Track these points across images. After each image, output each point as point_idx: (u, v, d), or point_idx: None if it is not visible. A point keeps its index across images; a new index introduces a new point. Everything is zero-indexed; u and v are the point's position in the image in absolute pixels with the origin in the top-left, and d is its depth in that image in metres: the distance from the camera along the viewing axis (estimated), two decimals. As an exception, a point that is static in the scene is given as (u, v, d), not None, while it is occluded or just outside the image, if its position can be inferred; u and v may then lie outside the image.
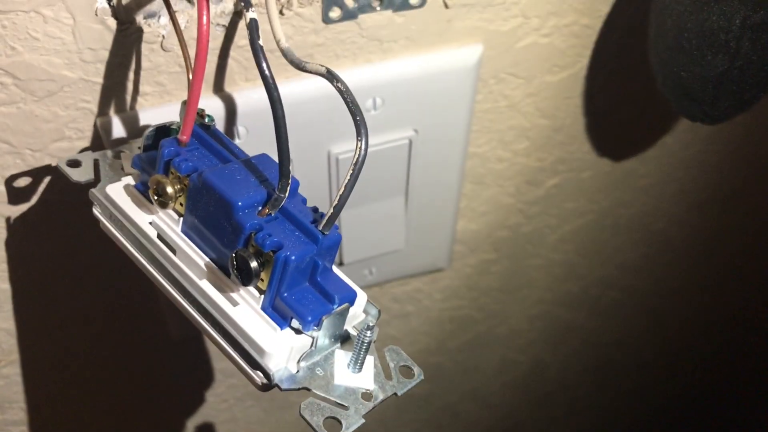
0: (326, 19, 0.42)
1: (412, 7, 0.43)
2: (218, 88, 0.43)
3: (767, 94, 0.41)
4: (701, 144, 0.65)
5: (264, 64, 0.30)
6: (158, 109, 0.42)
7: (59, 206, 0.44)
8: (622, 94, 0.56)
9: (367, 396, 0.32)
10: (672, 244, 0.74)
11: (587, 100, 0.55)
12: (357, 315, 0.34)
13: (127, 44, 0.39)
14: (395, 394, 0.33)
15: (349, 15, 0.42)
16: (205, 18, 0.32)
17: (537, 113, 0.54)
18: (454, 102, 0.49)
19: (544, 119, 0.55)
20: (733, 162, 0.69)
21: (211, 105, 0.42)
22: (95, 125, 0.41)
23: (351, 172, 0.31)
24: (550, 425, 0.94)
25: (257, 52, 0.30)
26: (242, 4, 0.31)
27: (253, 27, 0.30)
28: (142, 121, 0.42)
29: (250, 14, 0.30)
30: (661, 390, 0.99)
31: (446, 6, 0.44)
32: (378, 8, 0.43)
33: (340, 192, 0.31)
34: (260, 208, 0.32)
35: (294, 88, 0.44)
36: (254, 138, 0.44)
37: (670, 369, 0.96)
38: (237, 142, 0.44)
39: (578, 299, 0.75)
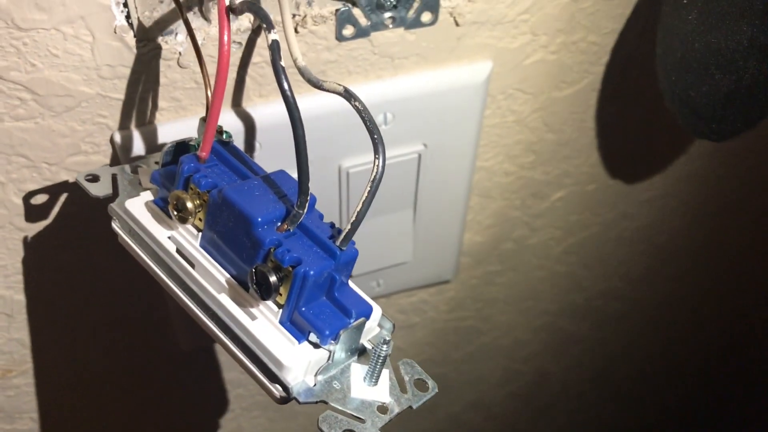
0: (339, 37, 0.43)
1: (423, 25, 0.44)
2: (233, 103, 0.43)
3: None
4: (704, 158, 0.66)
5: (286, 85, 0.30)
6: (174, 124, 0.42)
7: (73, 220, 0.45)
8: (627, 110, 0.57)
9: (383, 409, 0.33)
10: (675, 256, 0.75)
11: (593, 115, 0.56)
12: (372, 329, 0.35)
13: (144, 61, 0.40)
14: (410, 407, 0.33)
15: (362, 33, 0.43)
16: (226, 36, 0.32)
17: (544, 128, 0.55)
18: (463, 117, 0.49)
19: (550, 134, 0.55)
20: (735, 175, 0.69)
21: (226, 121, 0.43)
22: (111, 140, 0.42)
23: (369, 188, 0.31)
24: (552, 435, 0.95)
25: (279, 73, 0.30)
26: (264, 25, 0.31)
27: (275, 48, 0.31)
28: (158, 136, 0.42)
29: (272, 36, 0.31)
30: (664, 401, 1.00)
31: (457, 24, 0.45)
32: (390, 26, 0.43)
33: (358, 208, 0.32)
34: (279, 223, 0.33)
35: (304, 104, 0.44)
36: (267, 153, 0.45)
37: (672, 380, 0.96)
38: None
39: (582, 310, 0.76)
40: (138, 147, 0.42)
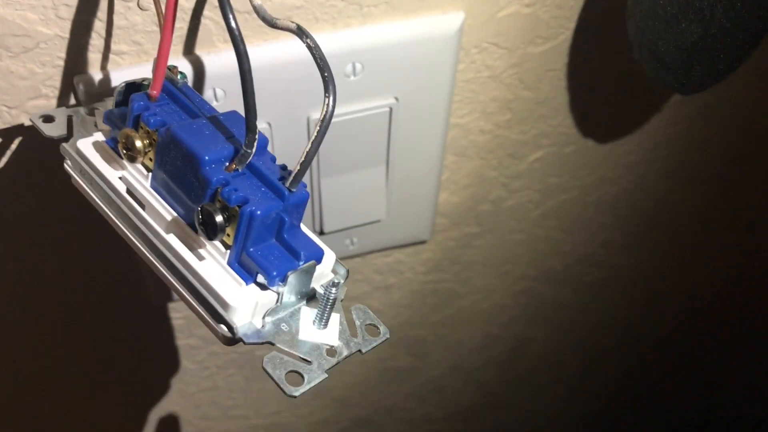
0: (305, -18, 0.42)
1: (392, -28, 0.43)
2: (197, 48, 0.43)
3: (741, 64, 0.41)
4: (686, 122, 0.65)
5: (230, 15, 0.29)
6: (135, 68, 0.42)
7: (32, 166, 0.44)
8: (606, 69, 0.56)
9: (331, 352, 0.32)
10: (656, 222, 0.75)
11: (570, 73, 0.55)
12: (325, 274, 0.34)
13: (104, 2, 0.39)
14: (359, 351, 0.33)
15: (328, -22, 0.42)
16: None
17: (520, 85, 0.54)
18: (435, 70, 0.49)
19: (526, 91, 0.55)
20: (718, 141, 0.69)
21: (189, 66, 0.42)
22: (72, 83, 0.41)
23: (318, 128, 0.31)
24: (533, 402, 0.95)
25: (223, 3, 0.30)
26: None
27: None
28: (119, 80, 0.41)
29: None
30: (646, 368, 1.00)
31: (427, -28, 0.44)
32: (357, -28, 0.42)
33: (307, 149, 0.31)
34: (227, 163, 0.32)
35: (273, 51, 0.44)
36: (232, 99, 0.44)
37: (653, 347, 0.96)
38: (215, 104, 0.44)
39: (562, 276, 0.75)
40: (98, 90, 0.41)
